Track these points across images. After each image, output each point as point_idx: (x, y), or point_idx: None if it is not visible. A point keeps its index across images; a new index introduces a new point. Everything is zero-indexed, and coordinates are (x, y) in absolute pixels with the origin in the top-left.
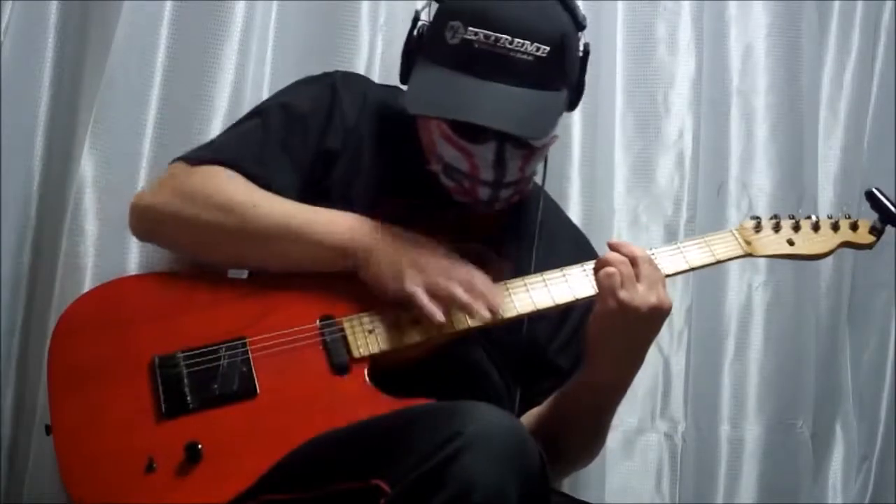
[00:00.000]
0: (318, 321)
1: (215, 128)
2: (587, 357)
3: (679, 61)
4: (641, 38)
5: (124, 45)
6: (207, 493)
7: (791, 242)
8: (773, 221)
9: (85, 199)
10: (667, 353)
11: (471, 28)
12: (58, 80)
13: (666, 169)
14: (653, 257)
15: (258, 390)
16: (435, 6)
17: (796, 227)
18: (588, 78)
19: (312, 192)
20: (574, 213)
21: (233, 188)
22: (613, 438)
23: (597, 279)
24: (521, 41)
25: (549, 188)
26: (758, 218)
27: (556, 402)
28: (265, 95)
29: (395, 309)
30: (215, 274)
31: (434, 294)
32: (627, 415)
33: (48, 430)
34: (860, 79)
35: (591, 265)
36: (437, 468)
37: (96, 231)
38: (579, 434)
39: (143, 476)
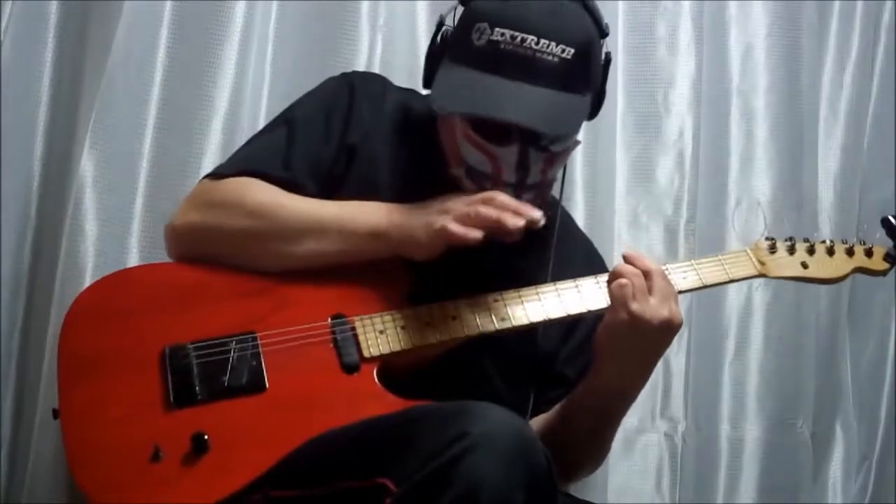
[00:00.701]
0: (329, 319)
1: (215, 128)
2: (594, 364)
3: (679, 61)
4: (641, 38)
5: (124, 45)
6: (212, 485)
7: (805, 265)
8: (788, 243)
9: (85, 199)
10: (667, 353)
11: (497, 29)
12: (58, 80)
13: (666, 169)
14: (666, 273)
15: (267, 385)
16: (460, 9)
17: (811, 251)
18: None
19: (333, 188)
20: (575, 214)
21: (258, 193)
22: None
23: (609, 290)
24: (547, 42)
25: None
26: (772, 239)
27: (561, 408)
28: (265, 95)
29: (408, 311)
30: (229, 267)
31: (464, 222)
32: (627, 415)
33: (55, 413)
34: (860, 79)
35: (604, 277)
36: (443, 468)
37: (96, 231)
38: (582, 440)
39: (147, 464)
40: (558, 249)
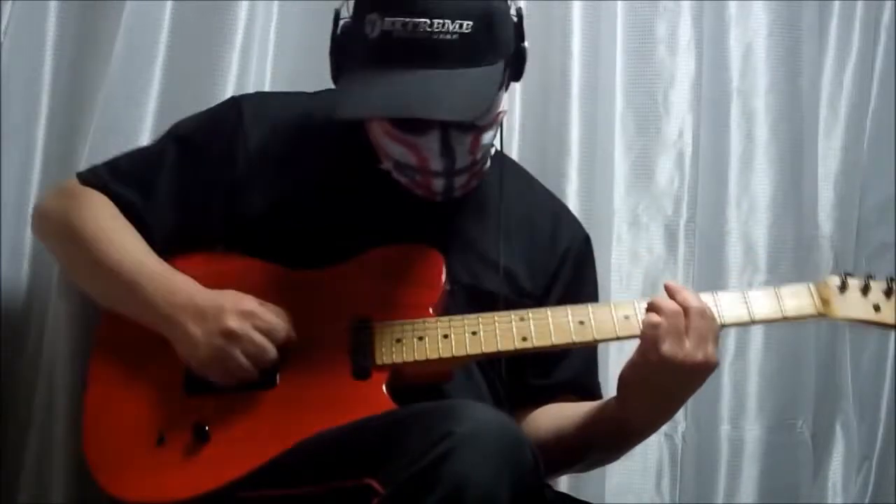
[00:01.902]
0: (352, 322)
1: None
2: (617, 395)
3: (679, 61)
4: (641, 38)
5: (124, 45)
6: (204, 475)
7: (877, 308)
8: (862, 282)
9: None
10: None
11: (387, 18)
12: (58, 79)
13: (666, 169)
14: (715, 300)
15: (277, 382)
16: (352, 1)
17: (888, 292)
18: (587, 77)
19: (225, 222)
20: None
21: (93, 219)
22: None
23: (643, 325)
24: (441, 21)
25: (549, 187)
26: (848, 274)
27: (579, 421)
28: None
29: (430, 322)
30: (264, 263)
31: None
32: None
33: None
34: (860, 79)
35: (642, 305)
36: (429, 467)
37: None
38: (595, 454)
39: (152, 448)
40: (511, 212)
